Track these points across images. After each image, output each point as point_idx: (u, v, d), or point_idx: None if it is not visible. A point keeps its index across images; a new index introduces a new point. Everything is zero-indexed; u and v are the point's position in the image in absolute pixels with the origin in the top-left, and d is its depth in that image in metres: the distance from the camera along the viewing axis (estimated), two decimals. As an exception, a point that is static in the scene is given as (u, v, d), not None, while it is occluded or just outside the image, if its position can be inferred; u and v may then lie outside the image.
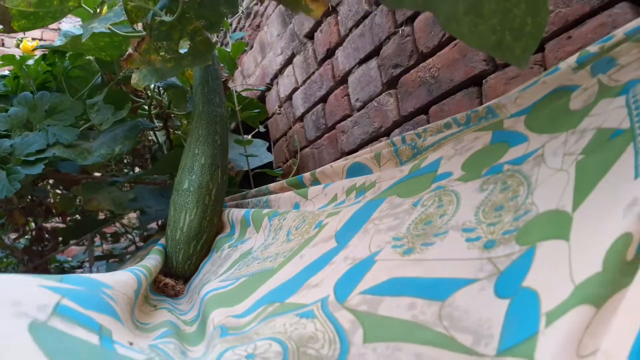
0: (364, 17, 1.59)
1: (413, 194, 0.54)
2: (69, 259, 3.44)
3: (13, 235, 2.87)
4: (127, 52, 1.03)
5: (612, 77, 0.50)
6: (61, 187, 2.40)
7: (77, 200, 2.40)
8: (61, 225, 2.77)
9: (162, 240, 1.22)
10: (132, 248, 2.95)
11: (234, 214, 1.11)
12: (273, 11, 2.27)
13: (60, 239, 2.62)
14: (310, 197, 0.85)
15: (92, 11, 1.19)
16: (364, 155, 0.82)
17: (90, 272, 2.50)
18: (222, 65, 1.45)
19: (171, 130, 1.54)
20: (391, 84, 1.49)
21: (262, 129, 2.26)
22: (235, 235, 1.04)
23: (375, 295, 0.39)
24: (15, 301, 0.32)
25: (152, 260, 0.88)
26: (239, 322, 0.48)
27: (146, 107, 1.45)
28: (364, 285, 0.41)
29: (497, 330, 0.32)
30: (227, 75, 1.45)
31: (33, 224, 2.66)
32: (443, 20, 0.74)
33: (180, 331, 0.57)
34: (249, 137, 2.28)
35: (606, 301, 0.30)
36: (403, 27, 1.43)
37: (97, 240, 3.14)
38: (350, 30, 1.66)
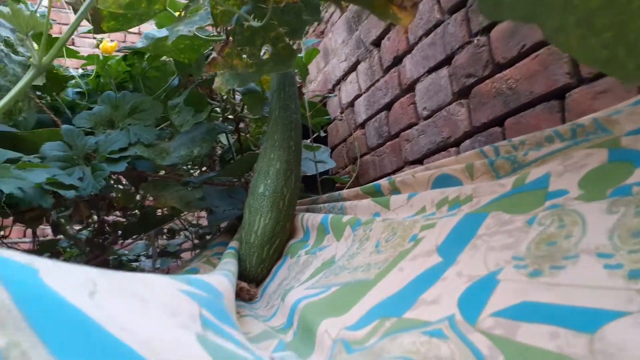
0: (436, 25, 1.56)
1: (523, 211, 0.52)
2: (126, 252, 3.58)
3: (77, 227, 3.00)
4: (211, 56, 1.05)
5: None
6: (124, 184, 2.48)
7: (137, 196, 2.47)
8: (121, 220, 2.88)
9: (233, 243, 1.23)
10: (188, 245, 3.02)
11: (309, 219, 1.10)
12: (339, 18, 2.27)
13: (119, 232, 2.72)
14: (393, 207, 0.83)
15: (175, 15, 1.22)
16: (451, 166, 0.79)
17: (154, 267, 2.57)
18: (295, 71, 1.46)
19: (245, 134, 1.56)
20: (463, 93, 1.45)
21: (322, 133, 2.26)
22: (310, 241, 1.04)
23: (510, 319, 0.37)
24: (173, 312, 0.32)
25: (232, 265, 0.88)
26: (356, 336, 0.47)
27: (218, 110, 1.47)
28: (494, 307, 0.40)
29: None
30: (300, 81, 1.46)
31: (96, 217, 2.77)
32: (549, 32, 0.71)
33: (285, 343, 0.57)
34: (308, 141, 2.28)
35: None
36: (478, 37, 1.40)
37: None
38: (420, 39, 1.64)
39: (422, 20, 1.64)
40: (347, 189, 1.97)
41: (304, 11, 1.08)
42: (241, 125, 1.67)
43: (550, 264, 0.40)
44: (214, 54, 1.07)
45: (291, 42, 1.11)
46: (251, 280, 1.17)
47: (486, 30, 1.37)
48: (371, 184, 1.02)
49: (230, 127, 1.49)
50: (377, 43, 1.95)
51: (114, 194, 2.68)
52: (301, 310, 0.62)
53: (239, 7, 1.09)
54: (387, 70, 1.87)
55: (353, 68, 2.14)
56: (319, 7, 1.09)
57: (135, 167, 1.38)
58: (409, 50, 1.73)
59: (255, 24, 0.93)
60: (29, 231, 4.25)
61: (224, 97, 1.44)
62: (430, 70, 1.61)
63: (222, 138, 1.77)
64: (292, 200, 1.20)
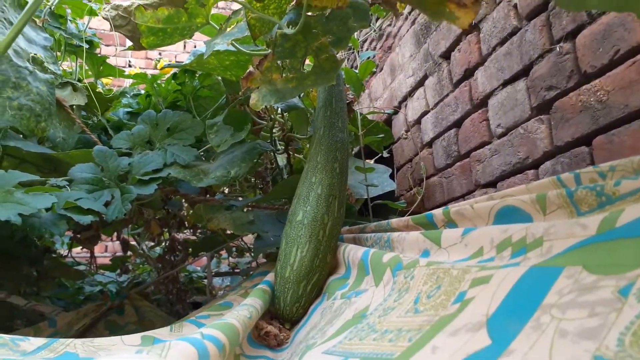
0: (512, 33, 1.40)
1: (614, 270, 0.36)
2: (198, 268, 3.62)
3: (150, 244, 3.06)
4: (248, 71, 0.96)
5: None
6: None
7: (206, 215, 2.46)
8: (192, 238, 2.89)
9: (269, 277, 1.11)
10: (254, 264, 2.98)
11: (351, 253, 0.96)
12: (407, 31, 2.14)
13: (190, 250, 2.73)
14: (445, 244, 0.68)
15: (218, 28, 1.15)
16: (519, 197, 0.63)
17: (210, 287, 2.55)
18: (347, 86, 1.34)
19: (292, 154, 1.47)
20: (543, 108, 1.28)
21: (385, 154, 2.12)
22: (350, 281, 0.89)
23: None
24: None
25: (244, 311, 0.75)
26: None
27: (268, 129, 1.38)
28: None
29: None
30: (352, 97, 1.34)
31: (167, 235, 2.80)
32: (652, 20, 0.54)
33: None
34: (372, 162, 2.14)
35: None
36: (561, 44, 1.22)
37: (224, 253, 3.24)
38: (494, 49, 1.48)
39: (497, 29, 1.48)
40: (411, 212, 1.81)
41: (350, 17, 0.96)
42: (296, 145, 1.57)
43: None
44: (251, 69, 0.98)
45: (337, 53, 1.00)
46: (286, 320, 1.05)
47: (571, 35, 1.20)
48: (423, 214, 0.87)
49: (279, 146, 1.39)
50: (446, 55, 1.80)
51: (184, 212, 2.70)
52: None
53: (280, 17, 1.00)
54: (457, 85, 1.72)
55: (420, 83, 1.99)
56: (368, 12, 0.97)
57: (177, 190, 1.32)
58: (481, 62, 1.57)
59: (290, 31, 0.82)
60: (111, 245, 4.45)
61: (272, 116, 1.35)
62: (505, 83, 1.45)
63: (279, 159, 1.68)
64: (333, 229, 1.07)
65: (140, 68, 4.41)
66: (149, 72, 1.94)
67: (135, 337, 0.75)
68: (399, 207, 1.56)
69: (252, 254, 2.80)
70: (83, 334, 1.63)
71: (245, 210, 1.34)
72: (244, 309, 0.77)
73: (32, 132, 0.85)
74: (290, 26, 0.97)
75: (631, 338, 0.29)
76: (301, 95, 1.44)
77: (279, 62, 0.99)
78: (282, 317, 1.05)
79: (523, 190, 0.67)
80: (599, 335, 0.31)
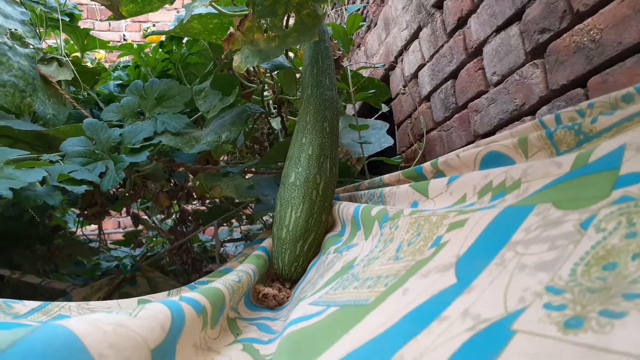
0: (504, -25, 1.35)
1: (580, 205, 0.35)
2: (210, 237, 3.68)
3: (161, 217, 3.10)
4: (229, 32, 0.94)
5: None
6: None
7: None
8: (202, 208, 2.92)
9: (265, 243, 1.12)
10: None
11: (344, 209, 0.97)
12: (399, -18, 2.08)
13: (200, 220, 2.75)
14: (432, 195, 0.68)
15: (200, -8, 1.12)
16: (502, 142, 0.62)
17: (220, 254, 2.58)
18: (335, 42, 1.31)
19: (285, 116, 1.45)
20: (537, 52, 1.25)
21: (385, 108, 2.09)
22: (344, 237, 0.90)
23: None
24: None
25: (233, 276, 0.75)
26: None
27: (259, 92, 1.36)
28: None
29: None
30: (340, 52, 1.31)
31: (177, 207, 2.83)
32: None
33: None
34: (373, 119, 2.13)
35: None
36: (553, -17, 1.18)
37: (235, 222, 3.27)
38: (486, -7, 1.44)
39: (488, -28, 1.44)
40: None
41: (330, -30, 0.94)
42: (289, 107, 1.55)
43: (601, 307, 0.24)
44: (231, 30, 0.96)
45: (318, 7, 0.97)
46: (285, 279, 1.06)
47: (563, -28, 1.15)
48: (413, 167, 0.87)
49: (272, 110, 1.38)
50: (439, 5, 1.76)
51: (192, 184, 2.72)
52: (282, 340, 0.49)
53: (258, -26, 0.97)
54: (451, 34, 1.68)
55: (415, 35, 1.95)
56: (348, -37, 0.94)
57: (173, 160, 1.32)
58: (474, 8, 1.53)
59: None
60: (123, 222, 4.51)
61: (261, 78, 1.33)
62: (498, 29, 1.41)
63: (274, 123, 1.67)
64: (327, 189, 1.06)
65: (135, 42, 4.36)
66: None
67: (132, 301, 0.76)
68: (394, 163, 1.55)
69: (261, 222, 2.81)
70: (97, 306, 1.67)
71: (245, 176, 1.34)
72: (232, 275, 0.78)
73: (18, 109, 0.84)
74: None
75: (583, 268, 0.29)
76: (292, 55, 1.42)
77: (260, 21, 0.97)
78: (282, 277, 1.07)
79: (507, 136, 0.66)
80: (555, 267, 0.31)
